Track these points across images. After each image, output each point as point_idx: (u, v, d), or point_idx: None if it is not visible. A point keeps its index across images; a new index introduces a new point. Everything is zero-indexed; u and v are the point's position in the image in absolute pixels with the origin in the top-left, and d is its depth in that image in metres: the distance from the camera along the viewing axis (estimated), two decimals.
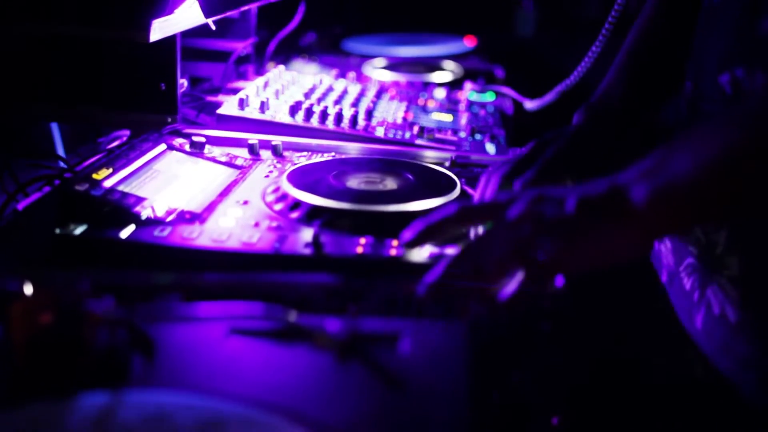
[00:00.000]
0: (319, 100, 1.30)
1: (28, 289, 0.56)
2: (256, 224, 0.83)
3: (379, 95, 1.43)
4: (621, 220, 0.61)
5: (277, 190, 0.92)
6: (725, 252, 0.81)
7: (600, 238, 0.61)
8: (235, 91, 1.38)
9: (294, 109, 1.21)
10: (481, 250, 0.65)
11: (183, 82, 1.21)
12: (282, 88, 1.33)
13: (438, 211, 0.68)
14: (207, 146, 1.08)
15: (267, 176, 1.01)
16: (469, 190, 0.95)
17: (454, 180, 0.97)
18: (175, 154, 1.03)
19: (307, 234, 0.80)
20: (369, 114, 1.25)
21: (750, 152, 0.59)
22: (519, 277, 0.63)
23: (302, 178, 0.94)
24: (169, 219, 0.83)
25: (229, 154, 1.08)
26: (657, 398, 0.91)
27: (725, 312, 0.81)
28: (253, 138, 1.13)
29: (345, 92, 1.40)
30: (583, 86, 1.23)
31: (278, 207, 0.88)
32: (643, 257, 0.98)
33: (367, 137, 1.17)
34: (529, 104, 1.40)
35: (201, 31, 1.12)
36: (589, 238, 0.61)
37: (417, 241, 0.68)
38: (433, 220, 0.68)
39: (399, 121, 1.28)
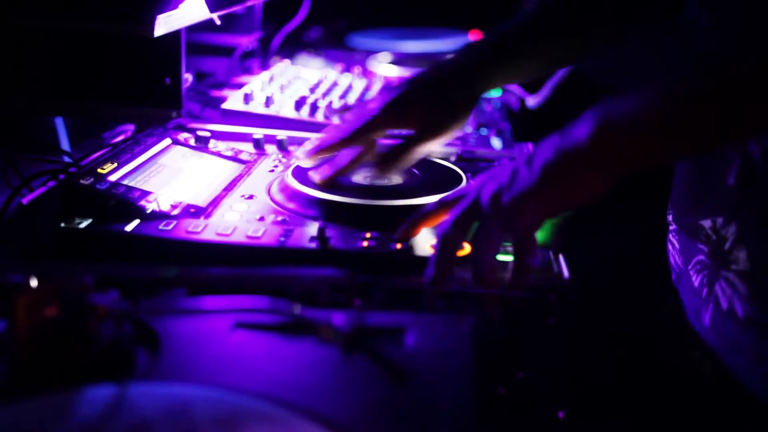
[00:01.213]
0: (324, 95, 1.30)
1: (33, 283, 0.56)
2: (261, 218, 0.83)
3: None
4: (570, 161, 0.65)
5: (282, 184, 0.92)
6: (733, 247, 0.80)
7: (556, 180, 0.65)
8: (240, 85, 1.37)
9: (299, 104, 1.20)
10: (477, 248, 0.69)
11: (188, 77, 1.21)
12: (287, 83, 1.32)
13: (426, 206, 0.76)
14: (212, 141, 1.08)
15: (272, 171, 1.01)
16: None
17: (459, 174, 0.96)
18: (179, 149, 1.03)
19: (312, 228, 0.80)
20: None
21: (687, 95, 0.64)
22: (511, 264, 0.68)
23: (307, 172, 0.94)
24: (173, 213, 0.83)
25: (234, 148, 1.08)
26: (665, 395, 0.90)
27: (733, 307, 0.80)
28: (258, 132, 1.13)
29: (350, 87, 1.39)
30: (586, 77, 1.23)
31: (283, 201, 0.88)
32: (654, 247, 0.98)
33: None
34: (531, 101, 1.40)
35: (206, 25, 1.12)
36: (546, 185, 0.65)
37: (405, 234, 0.76)
38: (417, 214, 0.75)
39: None
